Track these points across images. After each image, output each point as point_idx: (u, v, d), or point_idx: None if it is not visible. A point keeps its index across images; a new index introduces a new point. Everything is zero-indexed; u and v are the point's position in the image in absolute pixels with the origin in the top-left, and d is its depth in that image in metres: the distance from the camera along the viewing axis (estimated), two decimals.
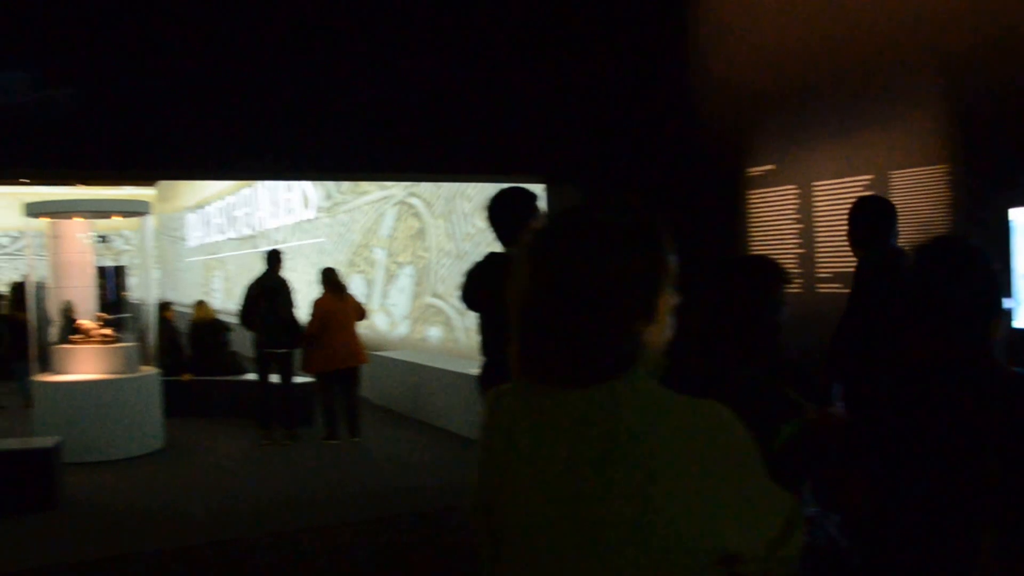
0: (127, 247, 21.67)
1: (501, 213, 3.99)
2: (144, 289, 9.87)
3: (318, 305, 9.05)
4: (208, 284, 24.52)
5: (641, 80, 6.02)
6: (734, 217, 5.89)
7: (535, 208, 3.98)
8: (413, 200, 11.77)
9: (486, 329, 3.98)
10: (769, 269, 2.42)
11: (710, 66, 6.13)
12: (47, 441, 7.24)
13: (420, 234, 11.64)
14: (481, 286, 3.94)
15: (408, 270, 12.15)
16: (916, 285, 1.98)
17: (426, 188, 11.24)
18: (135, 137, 4.72)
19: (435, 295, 11.21)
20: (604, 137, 5.94)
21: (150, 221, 9.52)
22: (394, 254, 12.58)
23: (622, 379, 1.30)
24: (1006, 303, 2.58)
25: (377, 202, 12.91)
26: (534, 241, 1.37)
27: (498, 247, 4.08)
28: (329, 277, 9.23)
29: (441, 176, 7.45)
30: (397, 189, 12.15)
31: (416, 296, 11.98)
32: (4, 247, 24.69)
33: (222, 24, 4.80)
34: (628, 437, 1.26)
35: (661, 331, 1.37)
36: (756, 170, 5.83)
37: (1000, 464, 1.77)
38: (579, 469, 1.28)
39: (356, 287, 12.76)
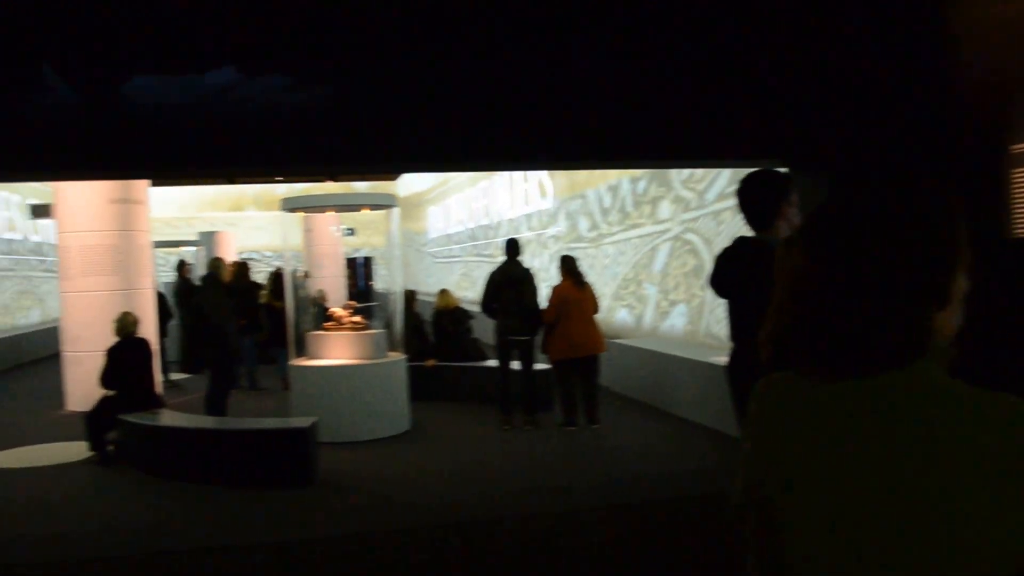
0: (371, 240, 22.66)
1: (753, 196, 3.81)
2: (390, 279, 10.26)
3: (557, 292, 9.10)
4: (448, 274, 25.26)
5: (890, 56, 5.65)
6: (997, 198, 5.44)
7: (790, 191, 3.79)
8: (689, 236, 11.22)
9: (735, 316, 3.82)
10: None
11: (965, 38, 5.68)
12: (304, 421, 7.62)
13: (696, 272, 11.01)
14: (732, 272, 3.79)
15: (680, 308, 11.57)
16: None
17: (705, 225, 10.78)
18: (383, 133, 4.84)
19: (709, 334, 10.68)
20: (852, 117, 5.62)
21: (396, 213, 9.86)
22: (666, 291, 11.95)
23: (910, 369, 1.21)
24: None
25: (648, 236, 12.37)
26: (816, 224, 1.30)
27: (748, 231, 3.90)
28: (569, 265, 9.25)
29: (680, 163, 7.26)
30: (673, 224, 11.63)
31: (687, 335, 11.41)
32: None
33: (461, 21, 4.86)
34: (918, 431, 1.17)
35: (951, 318, 1.27)
36: (1021, 147, 5.36)
37: None
38: (867, 464, 1.20)
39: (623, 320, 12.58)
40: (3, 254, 19.76)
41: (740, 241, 3.81)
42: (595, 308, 9.22)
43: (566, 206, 15.18)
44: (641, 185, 12.22)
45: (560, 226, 15.54)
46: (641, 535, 5.85)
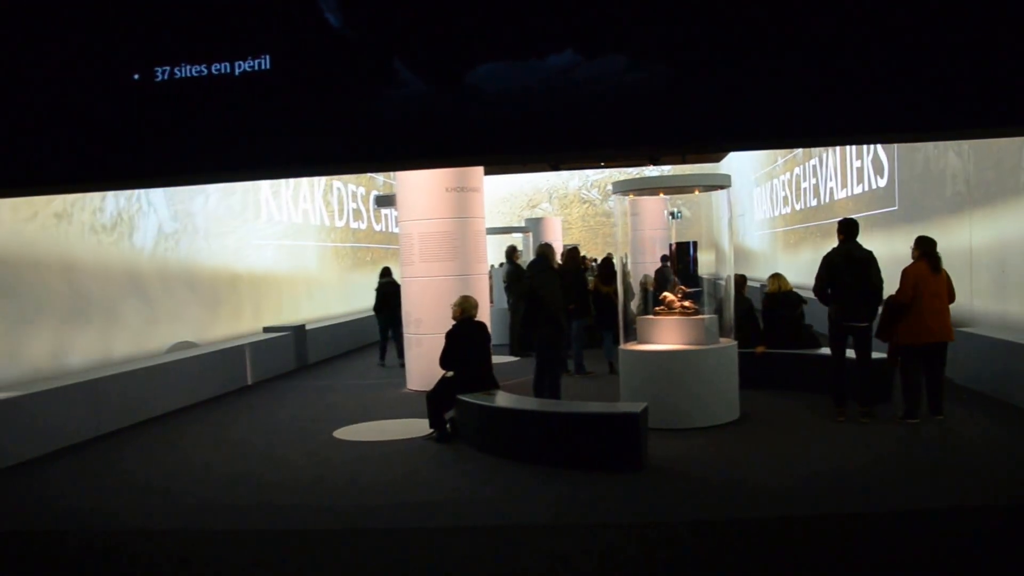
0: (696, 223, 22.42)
1: None
2: (720, 263, 10.03)
3: (911, 273, 8.53)
4: (776, 257, 24.54)
5: None
6: None
7: None
8: None
9: None
10: None
11: None
12: (634, 407, 7.58)
13: None
14: None
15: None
16: None
17: None
18: (714, 111, 4.68)
19: None
20: None
21: (727, 195, 9.61)
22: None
23: None
24: None
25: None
26: None
27: None
28: (926, 246, 8.63)
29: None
30: None
31: None
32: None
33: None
34: None
35: None
36: None
37: None
38: None
39: None
40: (353, 243, 21.33)
41: None
42: (951, 295, 8.58)
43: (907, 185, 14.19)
44: None
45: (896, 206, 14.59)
46: (975, 539, 5.36)
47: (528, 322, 9.95)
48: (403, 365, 13.07)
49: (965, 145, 11.66)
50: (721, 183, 9.69)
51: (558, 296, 9.85)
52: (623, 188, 9.84)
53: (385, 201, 16.69)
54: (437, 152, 4.80)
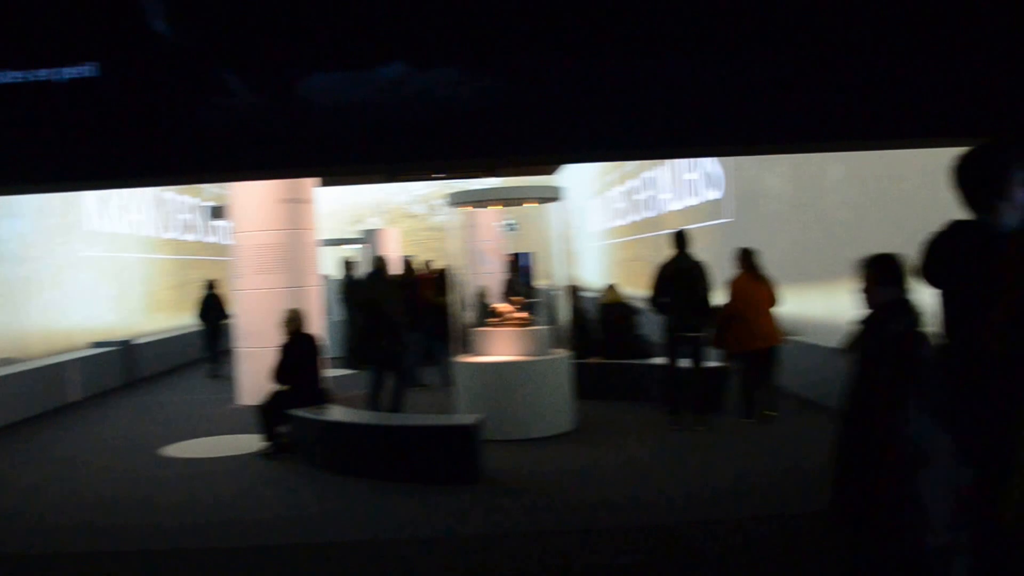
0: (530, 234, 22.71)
1: (973, 174, 3.47)
2: (555, 274, 10.17)
3: (734, 284, 8.93)
4: (612, 268, 25.06)
5: None
6: None
7: (1016, 168, 3.42)
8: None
9: (950, 309, 3.49)
10: None
11: None
12: (470, 419, 7.59)
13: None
14: (951, 260, 3.46)
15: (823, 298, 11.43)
16: None
17: None
18: (553, 123, 4.73)
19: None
20: None
21: (561, 207, 9.76)
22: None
23: None
24: None
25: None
26: None
27: (965, 214, 3.56)
28: (747, 257, 9.00)
29: (886, 143, 6.56)
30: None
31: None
32: None
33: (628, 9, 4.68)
34: None
35: None
36: None
37: None
38: None
39: None
40: (182, 255, 20.66)
41: (955, 225, 3.48)
42: (773, 301, 8.99)
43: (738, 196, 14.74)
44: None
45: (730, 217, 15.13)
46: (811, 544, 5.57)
47: (368, 334, 9.83)
48: (217, 376, 12.77)
49: (786, 165, 12.18)
50: (553, 195, 9.81)
51: (399, 308, 9.79)
52: (457, 200, 9.86)
53: (218, 212, 16.33)
54: (268, 164, 4.70)
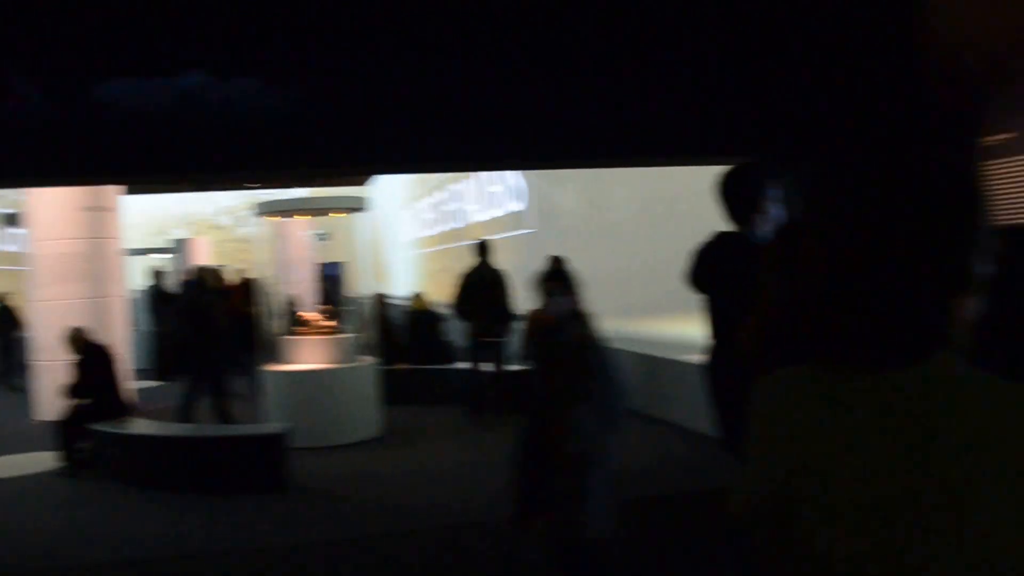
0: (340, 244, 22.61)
1: (731, 190, 3.84)
2: (362, 283, 10.28)
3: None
4: (420, 277, 25.22)
5: (862, 46, 5.67)
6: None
7: (766, 185, 3.80)
8: None
9: (715, 312, 3.84)
10: None
11: (939, 27, 5.73)
12: (277, 427, 7.60)
13: None
14: (711, 267, 3.80)
15: None
16: None
17: None
18: (353, 136, 4.86)
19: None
20: (821, 110, 5.61)
21: (367, 218, 9.88)
22: None
23: (934, 361, 1.12)
24: None
25: None
26: (831, 200, 1.18)
27: (727, 226, 3.91)
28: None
29: (654, 160, 7.05)
30: None
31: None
32: None
33: (436, 20, 4.88)
34: (943, 430, 1.07)
35: (966, 305, 1.16)
36: (994, 139, 5.44)
37: None
38: (887, 466, 1.09)
39: None
40: None
41: (719, 236, 3.84)
42: None
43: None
44: None
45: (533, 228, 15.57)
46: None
47: (186, 344, 9.57)
48: (14, 390, 12.28)
49: (579, 182, 12.72)
50: (359, 206, 9.93)
51: (223, 317, 9.65)
52: (264, 211, 9.84)
53: (14, 220, 15.61)
54: (63, 171, 4.65)
